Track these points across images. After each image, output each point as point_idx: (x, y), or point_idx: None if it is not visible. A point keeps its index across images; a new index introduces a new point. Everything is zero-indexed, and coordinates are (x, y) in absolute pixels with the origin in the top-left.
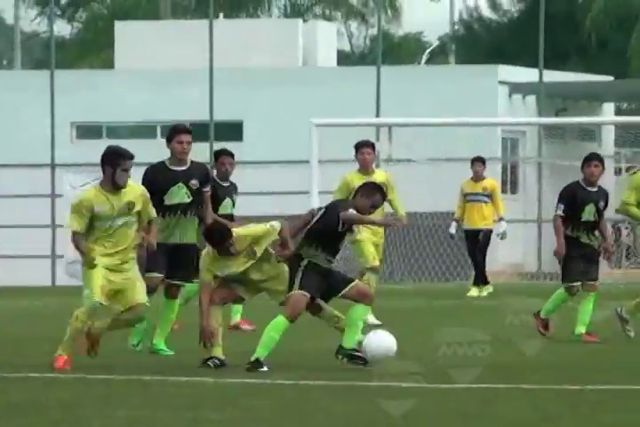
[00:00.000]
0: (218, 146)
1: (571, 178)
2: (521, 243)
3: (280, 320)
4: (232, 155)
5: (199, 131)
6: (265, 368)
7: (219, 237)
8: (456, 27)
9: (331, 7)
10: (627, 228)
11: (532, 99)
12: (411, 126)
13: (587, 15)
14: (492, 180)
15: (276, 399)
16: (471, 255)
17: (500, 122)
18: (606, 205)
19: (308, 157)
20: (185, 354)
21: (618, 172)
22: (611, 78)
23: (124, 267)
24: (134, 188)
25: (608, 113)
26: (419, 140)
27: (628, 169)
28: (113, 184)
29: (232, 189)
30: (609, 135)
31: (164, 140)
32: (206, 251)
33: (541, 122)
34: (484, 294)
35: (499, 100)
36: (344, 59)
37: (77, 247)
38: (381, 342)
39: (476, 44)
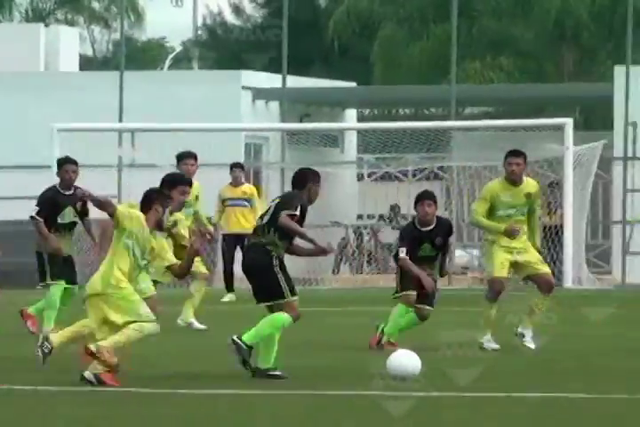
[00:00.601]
0: None
1: None
2: None
3: (285, 318)
4: (75, 162)
5: None
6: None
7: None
8: (199, 32)
9: (73, 12)
10: (368, 233)
11: (275, 104)
12: (154, 131)
13: (329, 21)
14: (251, 185)
15: (18, 406)
16: (230, 261)
17: (243, 127)
18: (447, 235)
19: (51, 163)
20: None
21: (360, 178)
22: (353, 84)
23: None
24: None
25: (350, 119)
26: (162, 145)
27: (370, 175)
28: (159, 225)
29: (75, 198)
30: (351, 141)
31: None
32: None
33: (284, 127)
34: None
35: (242, 105)
36: (87, 64)
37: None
38: (403, 364)
39: (220, 49)
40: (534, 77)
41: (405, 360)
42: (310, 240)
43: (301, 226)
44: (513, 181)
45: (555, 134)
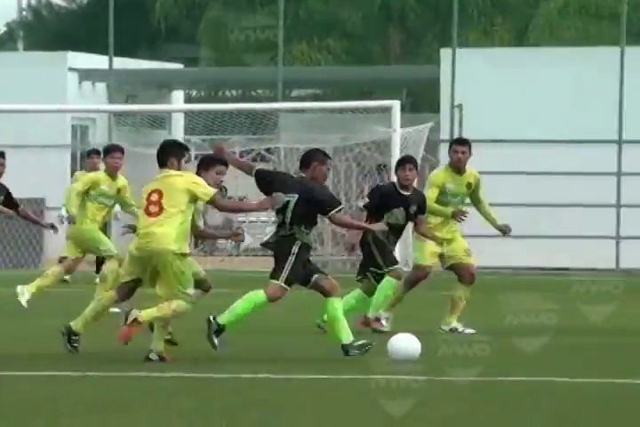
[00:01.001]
0: None
1: (142, 164)
2: None
3: (261, 296)
4: (3, 155)
5: None
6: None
7: None
8: (24, 13)
9: None
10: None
11: (102, 86)
12: None
13: (156, 2)
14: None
15: None
16: None
17: (69, 109)
18: (421, 209)
19: None
20: None
21: (188, 159)
22: (181, 66)
23: None
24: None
25: (177, 100)
26: None
27: (197, 157)
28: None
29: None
30: (179, 123)
31: None
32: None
33: (111, 109)
34: None
35: (68, 87)
36: None
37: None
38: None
39: (45, 30)
40: (361, 60)
41: (405, 343)
42: (364, 227)
43: None
44: (458, 169)
45: (382, 117)
